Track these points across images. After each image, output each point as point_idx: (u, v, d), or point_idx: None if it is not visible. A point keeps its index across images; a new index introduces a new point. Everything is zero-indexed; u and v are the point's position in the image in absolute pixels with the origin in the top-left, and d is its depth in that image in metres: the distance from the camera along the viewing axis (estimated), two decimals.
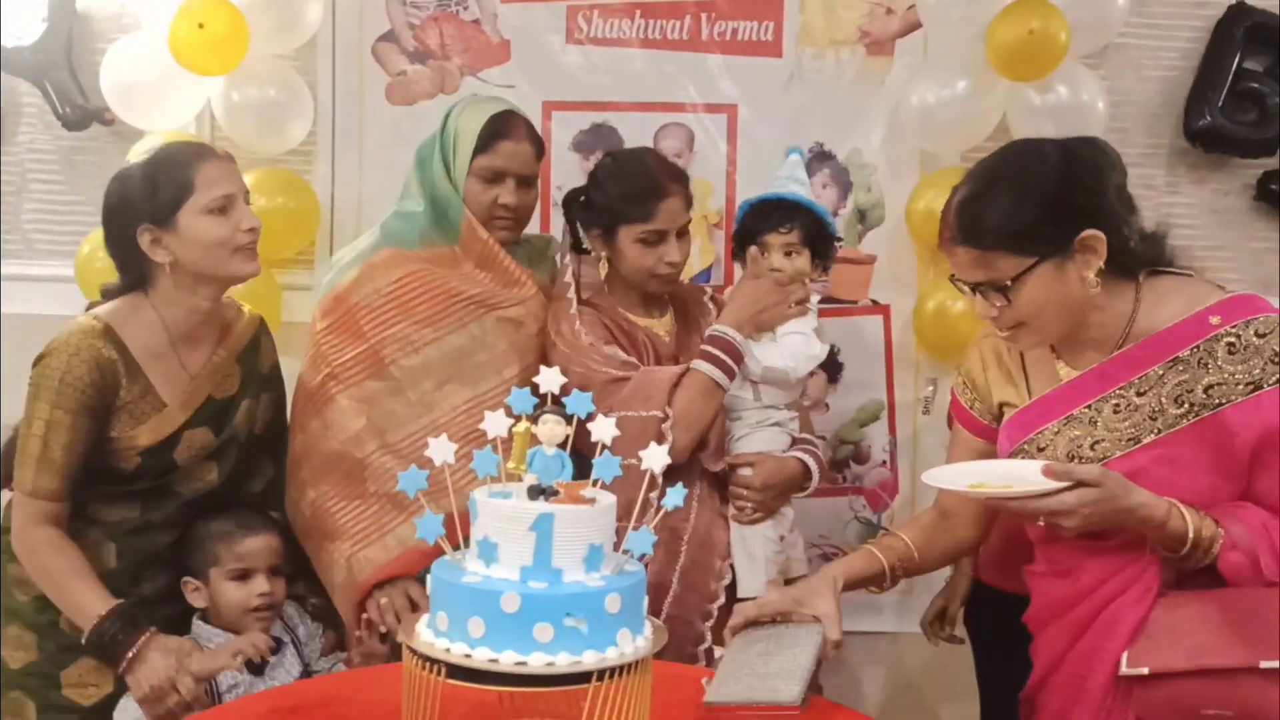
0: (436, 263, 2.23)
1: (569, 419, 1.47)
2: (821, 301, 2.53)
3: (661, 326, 2.34)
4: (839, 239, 2.51)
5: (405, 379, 2.18)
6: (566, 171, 2.84)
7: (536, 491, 1.43)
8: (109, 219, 2.05)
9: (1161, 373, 1.64)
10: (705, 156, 2.83)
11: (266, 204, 2.73)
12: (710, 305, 2.40)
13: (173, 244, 2.00)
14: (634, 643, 1.42)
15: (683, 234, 2.26)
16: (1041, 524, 1.63)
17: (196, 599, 2.04)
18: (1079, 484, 1.54)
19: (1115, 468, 1.60)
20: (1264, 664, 1.49)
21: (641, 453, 1.48)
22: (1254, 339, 1.61)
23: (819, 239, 2.31)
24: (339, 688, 1.75)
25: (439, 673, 1.36)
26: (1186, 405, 1.62)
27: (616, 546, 1.47)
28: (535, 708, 1.60)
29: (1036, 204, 1.60)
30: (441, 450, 1.47)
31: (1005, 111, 2.70)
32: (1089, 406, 1.68)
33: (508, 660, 1.35)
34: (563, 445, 1.47)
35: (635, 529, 1.46)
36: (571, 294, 2.31)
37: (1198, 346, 1.62)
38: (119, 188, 2.04)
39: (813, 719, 1.60)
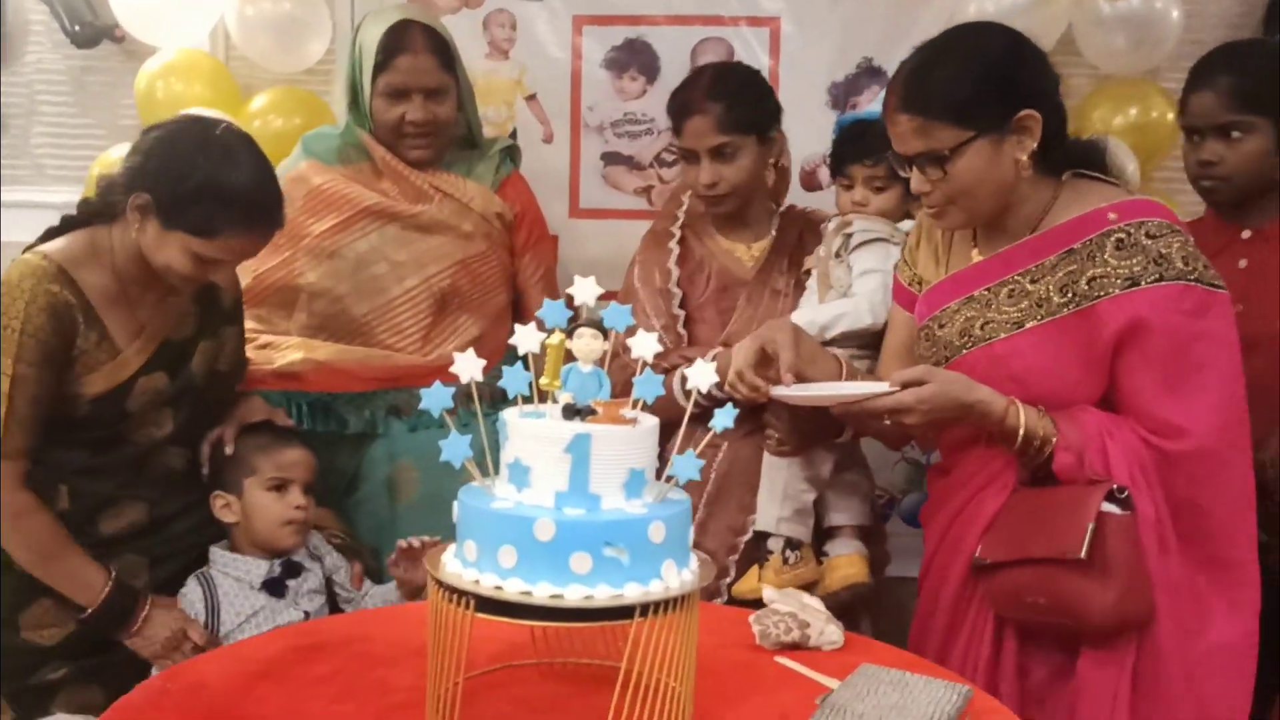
0: (353, 178, 2.22)
1: (606, 333, 1.34)
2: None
3: (745, 250, 2.21)
4: None
5: (310, 292, 2.18)
6: (599, 91, 2.69)
7: (572, 411, 1.30)
8: (140, 166, 1.84)
9: (1055, 262, 1.68)
10: None
11: (283, 124, 2.63)
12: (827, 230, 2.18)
13: (149, 233, 1.82)
14: (679, 576, 1.29)
15: (725, 155, 2.12)
16: (888, 423, 1.70)
17: (226, 514, 1.96)
18: (915, 384, 1.64)
19: (997, 349, 1.69)
20: (1068, 556, 1.55)
21: (687, 370, 1.34)
22: (1143, 238, 1.64)
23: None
24: (361, 625, 1.64)
25: (467, 605, 1.24)
26: (1069, 295, 1.66)
27: (659, 473, 1.34)
28: (570, 645, 1.49)
29: (981, 77, 1.64)
30: (468, 365, 1.34)
31: (1071, 21, 2.52)
32: (988, 289, 1.73)
33: (542, 593, 1.22)
34: (599, 362, 1.34)
35: (680, 452, 1.33)
36: (658, 225, 2.26)
37: (1090, 240, 1.66)
38: (178, 159, 1.80)
39: (850, 655, 1.53)
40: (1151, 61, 2.56)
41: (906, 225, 2.11)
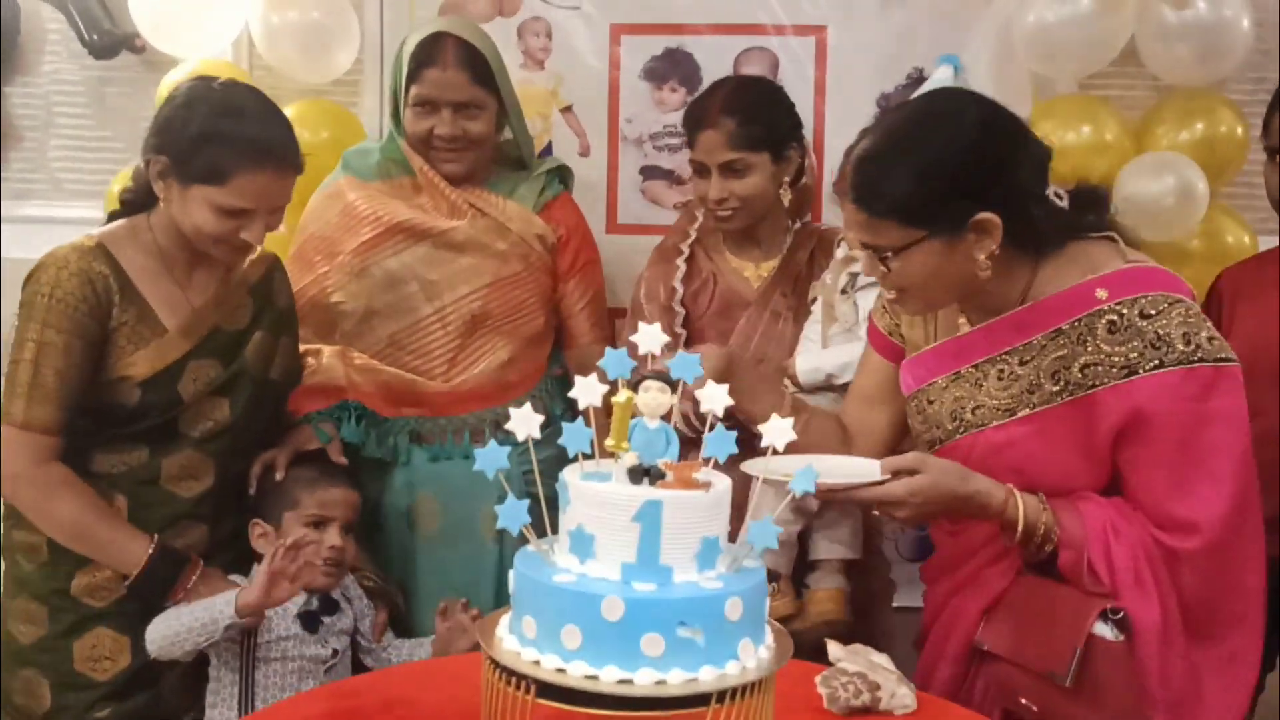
0: (391, 194, 2.17)
1: (674, 385, 1.23)
2: None
3: (754, 270, 2.18)
4: None
5: (339, 310, 2.13)
6: (638, 102, 2.59)
7: (640, 473, 1.20)
8: (153, 132, 1.84)
9: (1043, 343, 1.57)
10: (791, 84, 2.51)
11: (310, 138, 2.52)
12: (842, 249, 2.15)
13: (174, 197, 1.82)
14: (757, 655, 1.19)
15: (735, 171, 2.09)
16: (876, 514, 1.61)
17: (262, 544, 1.89)
18: (906, 472, 1.51)
19: (991, 437, 1.59)
20: (1049, 674, 1.49)
21: (762, 426, 1.23)
22: (1137, 319, 1.52)
23: None
24: (401, 685, 1.54)
25: (527, 690, 1.14)
26: (1062, 383, 1.55)
27: (731, 537, 1.24)
28: None
29: (935, 180, 1.50)
30: (524, 422, 1.24)
31: (1134, 32, 2.40)
32: (975, 367, 1.63)
33: (609, 677, 1.12)
34: (665, 417, 1.23)
35: (755, 517, 1.22)
36: (669, 240, 2.23)
37: (1079, 320, 1.55)
38: (181, 113, 1.81)
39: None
40: (1219, 73, 2.44)
41: None
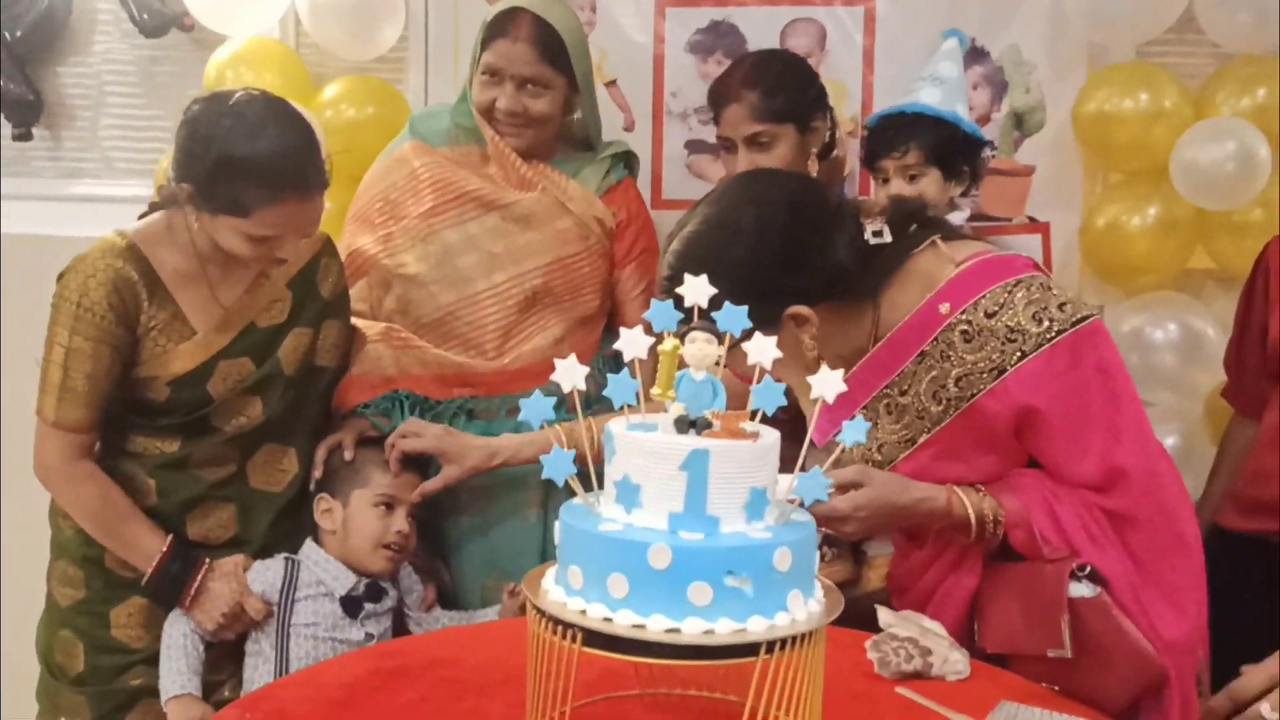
0: (459, 161, 2.14)
1: (721, 338, 1.21)
2: (971, 219, 2.26)
3: None
4: (988, 144, 2.23)
5: (399, 275, 2.10)
6: (682, 76, 2.56)
7: (686, 424, 1.18)
8: (176, 157, 1.80)
9: (913, 369, 1.59)
10: (838, 56, 2.52)
11: (355, 115, 2.55)
12: None
13: (203, 220, 1.78)
14: (806, 607, 1.17)
15: (761, 144, 2.08)
16: (823, 531, 1.55)
17: (326, 520, 1.89)
18: (850, 486, 1.52)
19: (903, 468, 1.59)
20: (1051, 653, 1.46)
21: (812, 379, 1.21)
22: (984, 321, 1.53)
23: (950, 153, 2.04)
24: (445, 646, 1.54)
25: (574, 639, 1.13)
26: (944, 401, 1.56)
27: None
28: (676, 675, 1.37)
29: (736, 281, 1.36)
30: (570, 373, 1.22)
31: None
32: (865, 409, 1.63)
33: (656, 626, 1.11)
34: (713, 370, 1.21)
35: (805, 469, 1.20)
36: None
37: (937, 339, 1.56)
38: (199, 143, 1.73)
39: (977, 686, 1.43)
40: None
41: (955, 217, 2.03)
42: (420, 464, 1.98)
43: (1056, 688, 1.48)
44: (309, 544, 1.89)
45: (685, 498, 1.14)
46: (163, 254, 1.82)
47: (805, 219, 1.59)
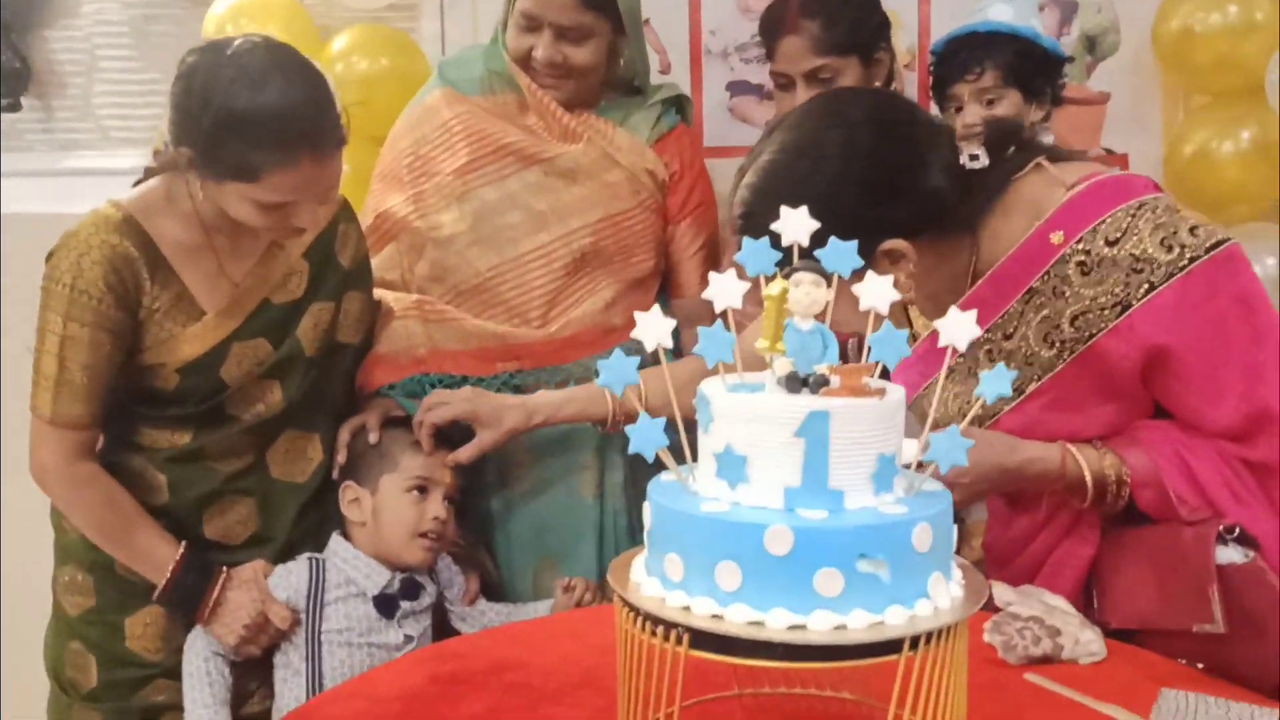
0: (495, 110, 1.95)
1: (829, 279, 1.03)
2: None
3: None
4: (1068, 60, 2.08)
5: (433, 238, 1.91)
6: (721, 12, 2.40)
7: (798, 382, 1.00)
8: (171, 117, 1.59)
9: (1020, 309, 1.41)
10: None
11: (368, 68, 2.38)
12: None
13: (208, 188, 1.57)
14: (949, 592, 0.99)
15: (822, 80, 1.91)
16: None
17: (353, 510, 1.71)
18: None
19: (1007, 423, 1.43)
20: (1197, 628, 1.27)
21: (939, 323, 1.03)
22: (1104, 250, 1.35)
23: (1029, 72, 1.89)
24: (509, 647, 1.37)
25: (678, 640, 0.95)
26: (1057, 344, 1.39)
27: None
28: (783, 672, 1.19)
29: (828, 224, 1.17)
30: (654, 327, 1.04)
31: None
32: (962, 358, 1.45)
33: (778, 623, 0.93)
34: (819, 317, 1.03)
35: (938, 429, 1.02)
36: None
37: (1048, 273, 1.38)
38: (196, 99, 1.53)
39: (1116, 669, 1.27)
40: None
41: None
42: (455, 441, 1.79)
43: (1201, 665, 1.31)
44: (335, 539, 1.72)
45: (803, 469, 0.96)
46: (163, 226, 1.61)
47: (897, 141, 1.40)
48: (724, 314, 1.05)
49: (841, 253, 1.08)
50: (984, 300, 1.41)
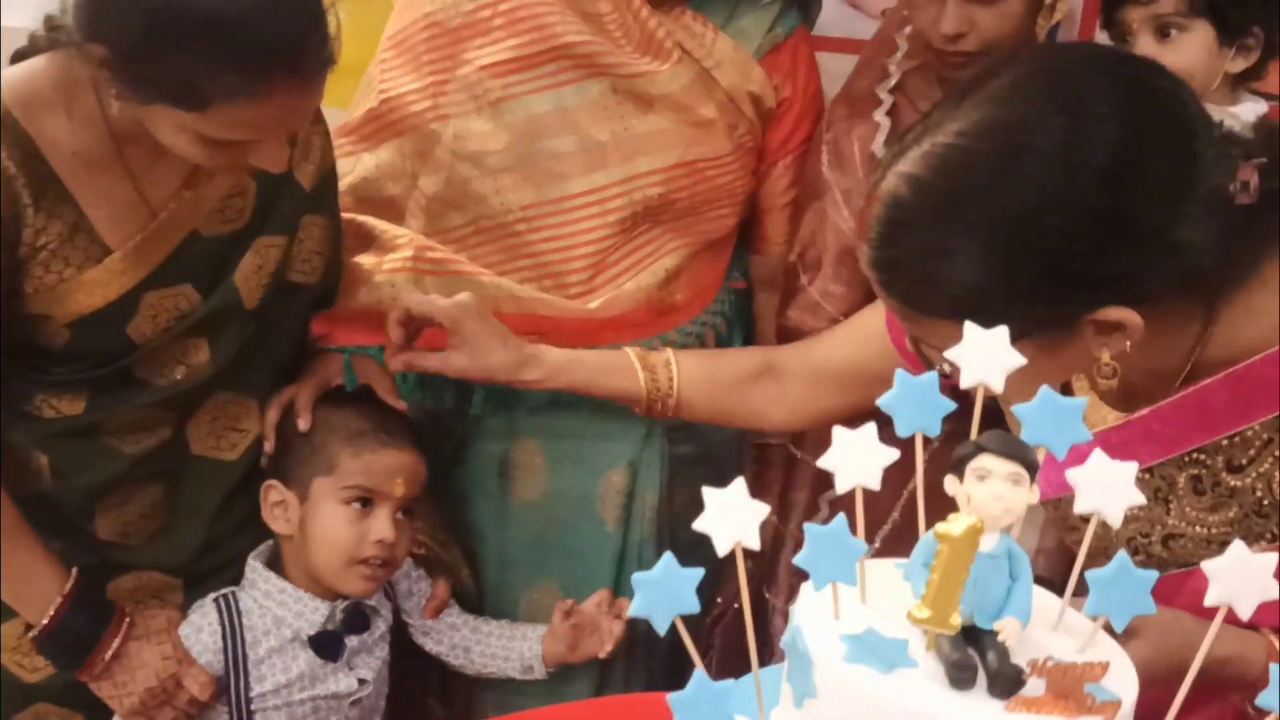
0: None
1: (1032, 471, 0.63)
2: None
3: None
4: None
5: (453, 149, 1.46)
6: None
7: (969, 669, 0.59)
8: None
9: (1265, 435, 0.97)
10: None
11: None
12: None
13: (127, 103, 1.12)
14: None
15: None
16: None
17: (276, 518, 1.31)
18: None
19: (1202, 582, 0.90)
20: None
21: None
22: None
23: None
24: None
25: None
26: None
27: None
28: None
29: (1022, 272, 0.88)
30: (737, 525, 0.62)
31: None
32: (1149, 473, 1.02)
33: None
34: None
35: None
36: (860, 82, 1.56)
37: None
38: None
39: None
40: None
41: (1245, 110, 1.40)
42: (415, 432, 1.37)
43: None
44: (252, 564, 1.33)
45: None
46: (55, 127, 1.15)
47: (1155, 149, 0.90)
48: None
49: (1062, 414, 0.65)
50: (1209, 407, 0.98)
